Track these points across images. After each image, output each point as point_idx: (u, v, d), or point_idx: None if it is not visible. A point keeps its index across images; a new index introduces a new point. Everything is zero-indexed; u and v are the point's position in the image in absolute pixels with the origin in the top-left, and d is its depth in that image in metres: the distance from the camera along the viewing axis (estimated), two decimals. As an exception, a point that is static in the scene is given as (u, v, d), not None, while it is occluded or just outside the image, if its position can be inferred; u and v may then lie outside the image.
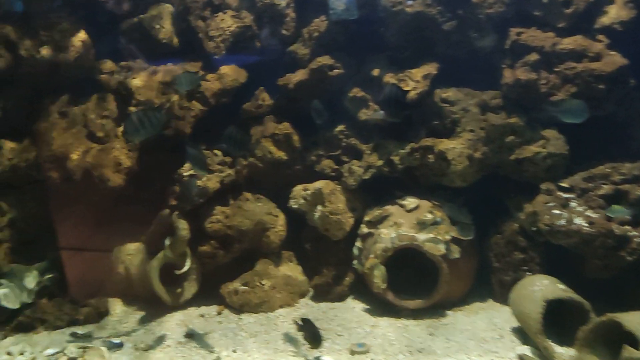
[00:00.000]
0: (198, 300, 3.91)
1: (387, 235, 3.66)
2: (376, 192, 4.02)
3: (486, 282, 3.85)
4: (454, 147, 3.64)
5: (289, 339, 3.46)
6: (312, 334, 3.17)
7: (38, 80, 3.85)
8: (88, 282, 3.99)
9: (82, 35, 3.82)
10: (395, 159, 3.78)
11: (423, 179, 3.85)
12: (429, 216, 3.66)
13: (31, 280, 3.83)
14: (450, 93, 3.76)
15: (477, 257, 3.81)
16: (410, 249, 3.61)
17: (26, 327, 3.70)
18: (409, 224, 3.68)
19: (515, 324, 3.43)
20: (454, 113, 3.71)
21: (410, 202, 3.79)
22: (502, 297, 3.70)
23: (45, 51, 3.73)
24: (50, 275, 3.94)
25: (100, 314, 3.83)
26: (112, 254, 3.98)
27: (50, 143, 3.77)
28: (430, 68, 3.73)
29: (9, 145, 3.90)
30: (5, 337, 3.66)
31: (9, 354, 3.45)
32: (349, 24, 3.86)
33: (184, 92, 3.72)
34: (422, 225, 3.66)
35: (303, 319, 3.29)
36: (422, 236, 3.61)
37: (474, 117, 3.68)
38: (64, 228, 3.98)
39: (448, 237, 3.61)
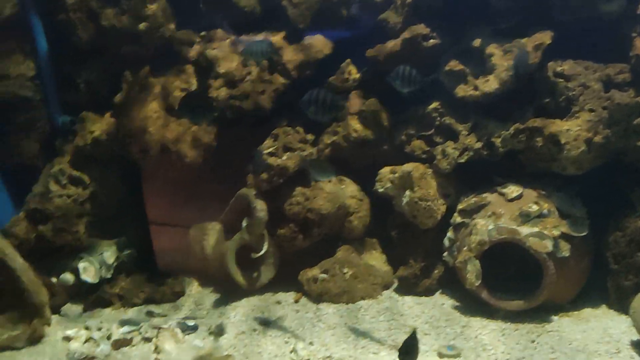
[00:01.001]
0: (274, 285, 3.71)
1: (484, 227, 3.26)
2: (471, 178, 3.61)
3: (600, 285, 3.35)
4: (568, 129, 3.15)
5: (370, 334, 3.19)
6: (408, 347, 2.84)
7: (119, 51, 3.75)
8: (164, 260, 3.92)
9: (162, 3, 3.67)
10: (497, 141, 3.35)
11: (528, 164, 3.40)
12: (535, 207, 3.21)
13: (110, 256, 3.80)
14: (566, 66, 3.26)
15: (591, 257, 3.32)
16: (511, 244, 3.20)
17: (104, 303, 3.67)
18: (510, 215, 3.26)
19: (636, 337, 2.94)
20: (571, 90, 3.21)
21: (513, 190, 3.35)
22: (620, 305, 3.20)
23: (127, 21, 3.62)
24: (129, 251, 3.89)
25: (176, 294, 3.73)
26: (190, 232, 3.85)
27: (129, 116, 3.67)
28: (544, 37, 3.23)
29: (92, 117, 3.86)
30: (84, 311, 3.66)
31: (86, 328, 3.42)
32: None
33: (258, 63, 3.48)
34: (525, 217, 3.22)
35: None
36: (525, 230, 3.17)
37: (595, 94, 3.17)
38: (142, 203, 3.92)
39: (556, 233, 3.15)
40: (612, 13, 3.23)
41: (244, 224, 3.54)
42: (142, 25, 3.63)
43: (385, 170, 3.60)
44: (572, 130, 3.14)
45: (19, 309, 3.33)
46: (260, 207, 3.48)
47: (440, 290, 3.64)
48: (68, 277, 3.70)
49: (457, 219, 3.48)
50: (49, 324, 3.39)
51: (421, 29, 3.40)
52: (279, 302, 3.59)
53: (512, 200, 3.32)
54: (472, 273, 3.25)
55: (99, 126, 3.81)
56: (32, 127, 3.84)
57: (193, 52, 3.68)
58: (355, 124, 3.59)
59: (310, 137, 3.65)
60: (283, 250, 3.66)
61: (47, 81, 3.86)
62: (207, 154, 3.59)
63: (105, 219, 3.92)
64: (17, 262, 3.27)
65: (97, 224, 3.89)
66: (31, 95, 3.78)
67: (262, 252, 3.57)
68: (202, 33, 3.70)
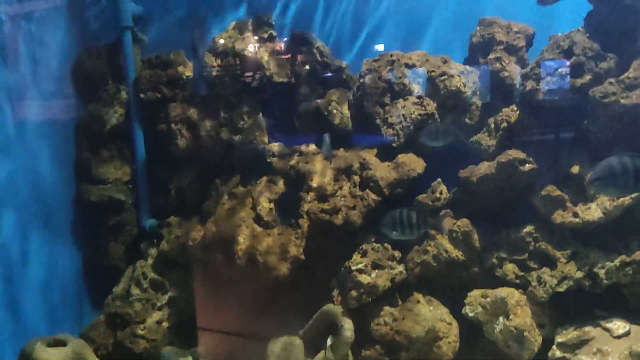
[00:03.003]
0: (355, 411, 3.50)
1: (590, 365, 3.05)
2: (566, 308, 3.44)
3: None
4: (680, 264, 3.01)
5: None
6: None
7: (212, 160, 3.86)
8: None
9: (257, 117, 3.81)
10: (600, 272, 3.20)
11: (632, 299, 3.23)
12: (647, 347, 3.00)
13: (185, 366, 3.69)
14: (672, 199, 3.17)
15: None
16: (619, 385, 2.97)
17: (176, 417, 3.52)
18: (618, 353, 3.04)
19: None
20: (680, 223, 3.11)
21: (619, 325, 3.15)
22: None
23: (223, 133, 3.75)
24: (204, 363, 3.78)
25: (251, 413, 3.56)
26: (267, 345, 3.73)
27: (218, 224, 3.70)
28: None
29: (178, 222, 3.91)
30: None
31: None
32: (543, 114, 3.47)
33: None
34: (636, 358, 3.00)
35: None
36: (637, 372, 2.95)
37: None
38: (219, 312, 3.85)
39: (673, 378, 2.92)
40: None
41: (329, 342, 3.40)
42: (237, 138, 3.75)
43: (476, 294, 3.47)
44: (685, 266, 3.00)
45: (93, 422, 3.21)
46: (348, 326, 3.35)
47: None
48: (141, 387, 3.59)
49: (556, 352, 3.27)
50: None
51: (517, 153, 3.38)
52: None
53: (619, 337, 3.12)
54: (577, 416, 3.00)
55: (184, 231, 3.84)
56: (121, 230, 3.90)
57: (285, 164, 3.75)
58: (445, 244, 3.51)
59: (397, 254, 3.58)
60: (366, 373, 3.48)
61: (141, 185, 3.97)
62: (294, 267, 3.54)
63: (182, 325, 3.85)
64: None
65: (174, 331, 3.82)
66: (124, 199, 3.88)
67: (345, 374, 3.41)
68: (295, 146, 3.79)
